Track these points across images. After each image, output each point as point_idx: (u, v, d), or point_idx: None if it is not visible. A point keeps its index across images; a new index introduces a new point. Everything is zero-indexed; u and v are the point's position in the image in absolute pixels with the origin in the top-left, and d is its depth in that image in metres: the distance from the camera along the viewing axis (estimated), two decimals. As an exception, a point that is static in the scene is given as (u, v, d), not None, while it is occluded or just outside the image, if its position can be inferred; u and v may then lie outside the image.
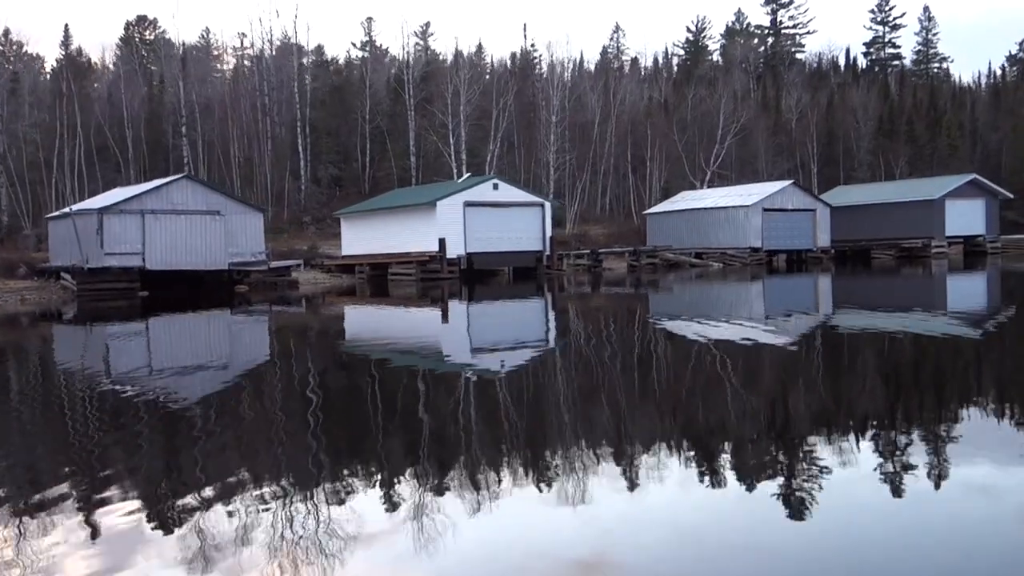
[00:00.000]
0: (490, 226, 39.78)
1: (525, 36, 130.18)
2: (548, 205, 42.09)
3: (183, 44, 62.29)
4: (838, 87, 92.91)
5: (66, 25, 65.13)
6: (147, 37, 75.58)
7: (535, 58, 75.62)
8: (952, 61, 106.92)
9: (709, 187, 60.02)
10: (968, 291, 27.63)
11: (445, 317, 23.31)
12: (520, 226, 40.79)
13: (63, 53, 63.55)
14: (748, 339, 14.08)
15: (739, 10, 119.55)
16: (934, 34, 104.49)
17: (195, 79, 61.17)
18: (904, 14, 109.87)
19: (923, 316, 18.01)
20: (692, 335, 15.28)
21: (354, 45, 77.77)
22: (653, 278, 40.24)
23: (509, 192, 40.77)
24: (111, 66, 69.17)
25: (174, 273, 33.75)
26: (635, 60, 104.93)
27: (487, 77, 57.91)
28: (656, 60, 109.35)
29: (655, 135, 61.91)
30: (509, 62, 77.93)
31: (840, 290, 29.90)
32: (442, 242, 38.03)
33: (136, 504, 5.49)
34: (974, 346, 12.98)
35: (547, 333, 17.72)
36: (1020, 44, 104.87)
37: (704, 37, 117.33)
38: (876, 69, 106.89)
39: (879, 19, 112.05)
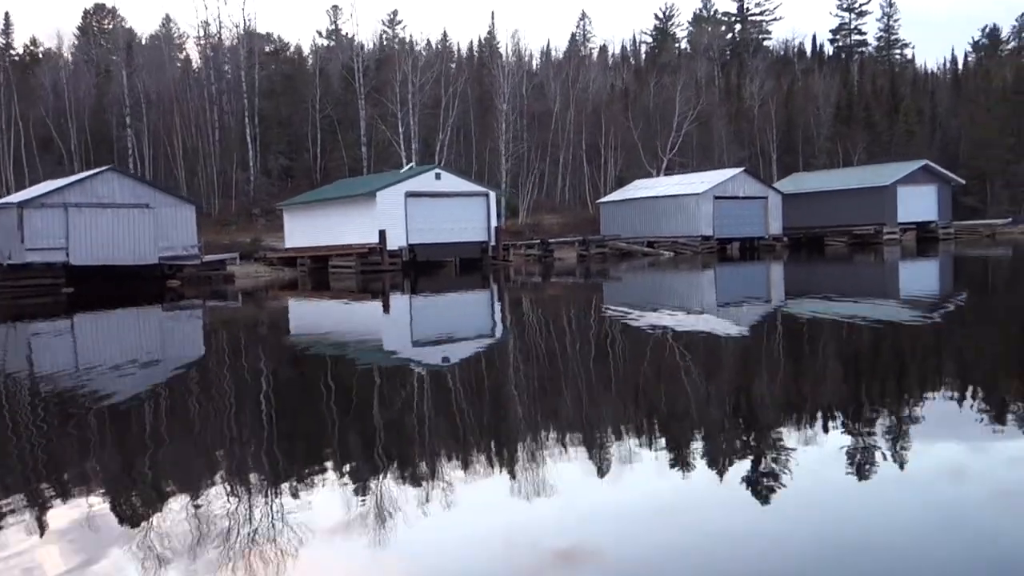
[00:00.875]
0: (433, 217, 39.06)
1: (492, 24, 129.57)
2: (493, 195, 41.43)
3: (128, 30, 60.74)
4: (802, 74, 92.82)
5: (6, 13, 63.36)
6: (105, 26, 74.15)
7: (496, 46, 74.67)
8: (914, 48, 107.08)
9: (666, 175, 59.51)
10: (915, 278, 27.34)
11: (380, 310, 22.72)
12: (464, 216, 40.10)
13: (3, 42, 61.89)
14: (696, 328, 13.94)
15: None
16: (895, 20, 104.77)
17: (149, 69, 59.91)
18: (869, 1, 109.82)
19: (869, 303, 17.74)
20: (637, 324, 15.02)
21: (319, 34, 76.63)
22: (603, 268, 39.74)
23: (452, 182, 40.06)
24: (68, 55, 67.79)
25: (101, 268, 32.75)
26: (603, 48, 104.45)
27: (439, 65, 56.79)
28: (624, 48, 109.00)
29: (610, 123, 61.31)
30: (465, 51, 77.16)
31: (789, 278, 29.50)
32: (382, 233, 37.27)
33: (50, 509, 5.25)
34: (920, 331, 12.87)
35: (490, 326, 17.13)
36: (982, 31, 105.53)
37: (672, 24, 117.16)
38: (843, 56, 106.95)
39: (844, 6, 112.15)
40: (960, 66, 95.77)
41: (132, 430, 7.74)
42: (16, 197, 34.90)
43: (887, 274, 29.67)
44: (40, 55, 66.05)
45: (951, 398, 7.72)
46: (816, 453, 5.91)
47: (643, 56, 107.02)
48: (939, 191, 54.09)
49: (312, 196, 44.94)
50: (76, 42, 68.99)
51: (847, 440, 6.19)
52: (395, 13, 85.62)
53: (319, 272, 39.92)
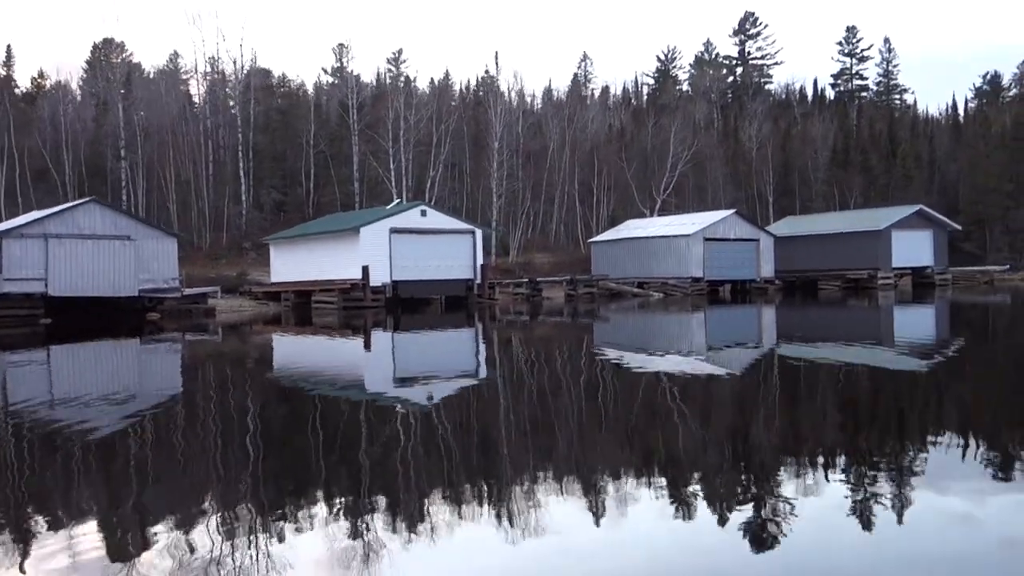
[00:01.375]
0: (418, 254, 38.86)
1: (497, 64, 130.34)
2: (479, 232, 41.21)
3: (127, 63, 61.16)
4: (801, 117, 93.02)
5: (8, 46, 63.85)
6: (112, 60, 74.58)
7: (495, 84, 75.02)
8: (914, 93, 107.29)
9: (660, 216, 59.37)
10: (908, 323, 26.87)
11: (359, 347, 22.42)
12: (450, 254, 39.89)
13: (2, 73, 62.28)
14: (679, 371, 13.52)
15: (708, 40, 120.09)
16: (894, 66, 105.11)
17: (148, 102, 60.20)
18: (871, 46, 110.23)
19: (860, 348, 17.33)
20: (620, 366, 14.80)
21: (324, 71, 76.97)
22: (590, 308, 39.36)
23: (438, 219, 39.90)
24: (76, 88, 68.25)
25: (80, 300, 32.53)
26: (605, 89, 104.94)
27: (433, 103, 56.87)
28: (625, 89, 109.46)
29: (603, 163, 61.32)
30: (463, 89, 77.46)
31: (778, 321, 28.98)
32: (365, 269, 37.04)
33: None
34: (911, 377, 12.54)
35: (471, 366, 16.69)
36: (983, 77, 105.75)
37: (674, 67, 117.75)
38: (844, 100, 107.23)
39: (846, 51, 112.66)
40: (961, 112, 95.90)
41: (97, 468, 7.42)
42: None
43: (879, 319, 29.08)
44: (46, 87, 66.58)
45: (945, 445, 7.46)
46: (810, 500, 5.72)
47: (644, 97, 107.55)
48: (935, 236, 53.75)
49: (297, 231, 44.83)
50: (84, 75, 69.46)
51: (837, 487, 6.03)
52: (400, 52, 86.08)
53: (303, 307, 39.67)
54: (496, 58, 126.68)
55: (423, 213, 39.29)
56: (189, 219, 53.97)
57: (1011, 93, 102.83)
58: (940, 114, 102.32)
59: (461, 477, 6.73)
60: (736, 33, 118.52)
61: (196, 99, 58.18)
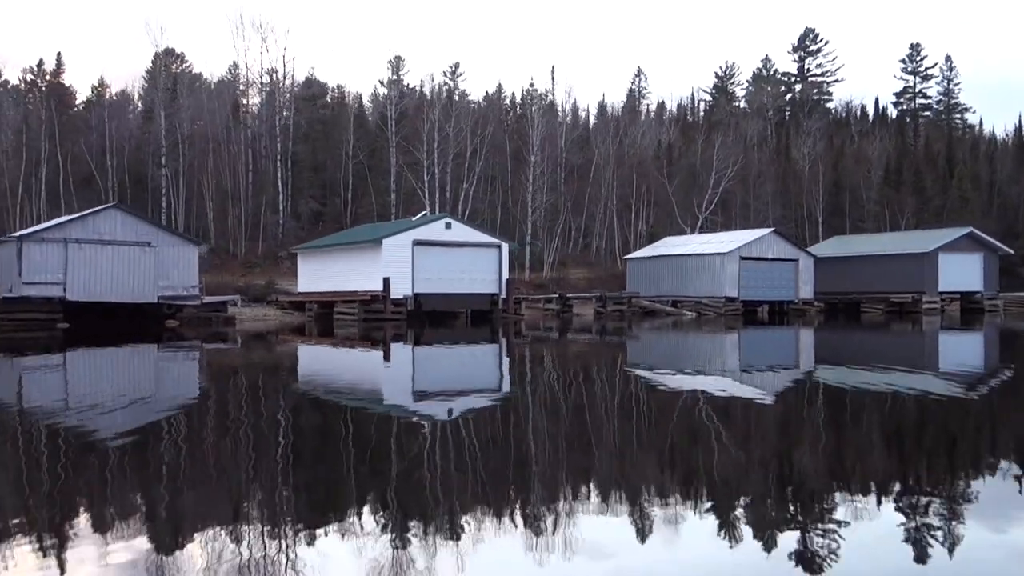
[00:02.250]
0: (441, 266, 38.38)
1: (553, 79, 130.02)
2: (506, 246, 40.60)
3: (172, 73, 61.94)
4: (858, 135, 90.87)
5: (59, 53, 65.24)
6: (173, 71, 75.67)
7: (536, 97, 74.54)
8: (975, 112, 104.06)
9: (702, 233, 58.18)
10: (950, 350, 25.57)
11: (375, 359, 22.08)
12: (474, 267, 39.34)
13: (50, 80, 63.56)
14: (701, 391, 13.19)
15: (767, 56, 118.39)
16: (956, 84, 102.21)
17: (194, 110, 60.98)
18: (935, 65, 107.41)
19: (883, 373, 16.22)
20: (643, 386, 14.44)
21: (381, 83, 77.55)
22: (620, 326, 38.41)
23: (463, 232, 39.39)
24: (137, 96, 69.43)
25: (98, 305, 32.69)
26: (661, 104, 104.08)
27: (468, 116, 56.46)
28: (680, 105, 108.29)
29: (643, 180, 60.36)
30: (511, 102, 77.05)
31: (812, 345, 27.65)
32: (386, 281, 36.65)
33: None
34: (950, 406, 11.80)
35: (489, 382, 16.25)
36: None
37: (732, 83, 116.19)
38: (907, 119, 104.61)
39: (910, 69, 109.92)
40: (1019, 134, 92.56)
41: (100, 475, 7.20)
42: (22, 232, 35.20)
43: (915, 344, 27.82)
44: (106, 96, 67.89)
45: (992, 476, 7.15)
46: (853, 529, 5.53)
47: (701, 113, 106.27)
48: (985, 260, 51.67)
49: (323, 242, 44.74)
50: (145, 84, 70.45)
51: (869, 515, 5.87)
52: (456, 65, 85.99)
53: (325, 318, 39.45)
54: (552, 72, 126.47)
55: (448, 226, 38.81)
56: (226, 227, 54.32)
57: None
58: (1007, 135, 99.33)
59: (477, 494, 6.57)
60: (796, 49, 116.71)
61: (242, 109, 58.53)
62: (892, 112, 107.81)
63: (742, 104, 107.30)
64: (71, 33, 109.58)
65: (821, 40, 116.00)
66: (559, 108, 78.84)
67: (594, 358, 22.11)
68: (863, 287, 51.07)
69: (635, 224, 61.44)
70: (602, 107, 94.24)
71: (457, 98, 64.44)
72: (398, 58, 79.08)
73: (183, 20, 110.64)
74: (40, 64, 65.21)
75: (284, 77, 59.92)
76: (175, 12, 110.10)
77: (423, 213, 44.72)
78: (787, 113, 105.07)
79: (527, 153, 55.76)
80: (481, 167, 55.27)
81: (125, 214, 34.23)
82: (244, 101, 58.23)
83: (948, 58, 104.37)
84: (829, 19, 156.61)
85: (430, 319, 38.38)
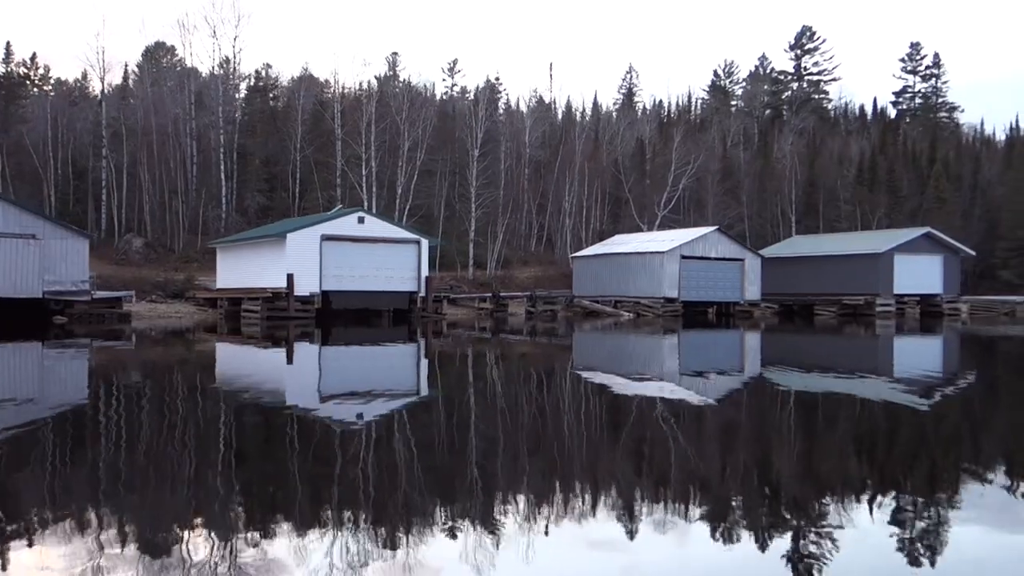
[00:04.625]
0: (354, 263, 36.77)
1: (551, 76, 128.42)
2: (425, 242, 38.92)
3: (100, 66, 60.65)
4: (846, 134, 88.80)
5: (8, 43, 63.83)
6: (163, 64, 74.34)
7: (487, 93, 73.01)
8: (962, 111, 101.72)
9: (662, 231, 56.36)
10: (876, 355, 23.96)
11: (268, 358, 20.93)
12: (390, 264, 37.70)
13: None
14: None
15: (763, 54, 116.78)
16: (944, 82, 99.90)
17: (137, 102, 59.73)
18: (942, 64, 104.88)
19: (801, 375, 15.55)
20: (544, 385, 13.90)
21: (377, 78, 76.26)
22: (551, 327, 36.74)
23: (378, 227, 37.75)
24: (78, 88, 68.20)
25: (-22, 300, 31.29)
26: (659, 103, 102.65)
27: (407, 109, 54.56)
28: (665, 102, 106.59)
29: (595, 177, 58.57)
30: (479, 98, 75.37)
31: (746, 349, 25.55)
32: (290, 277, 35.07)
33: None
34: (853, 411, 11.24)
35: (397, 383, 15.17)
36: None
37: (730, 82, 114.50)
38: (908, 119, 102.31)
39: (909, 68, 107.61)
40: (1013, 134, 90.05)
41: None
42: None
43: (847, 350, 26.00)
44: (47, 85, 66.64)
45: (932, 486, 6.81)
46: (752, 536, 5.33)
47: (696, 112, 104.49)
48: (945, 262, 49.56)
49: (237, 237, 43.26)
50: (135, 76, 69.07)
51: (787, 521, 5.67)
52: (455, 62, 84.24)
53: (236, 315, 37.97)
54: (551, 69, 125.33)
55: (361, 220, 37.18)
56: (166, 220, 53.02)
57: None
58: (1004, 137, 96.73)
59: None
60: (792, 47, 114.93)
61: (187, 100, 57.03)
62: (892, 112, 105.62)
63: (740, 103, 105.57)
64: (18, 19, 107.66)
65: (818, 38, 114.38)
66: (523, 105, 77.43)
67: (503, 360, 20.52)
68: (817, 289, 49.18)
69: (590, 222, 59.67)
70: (596, 104, 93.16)
71: (398, 90, 62.75)
72: (395, 54, 78.23)
73: (131, 9, 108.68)
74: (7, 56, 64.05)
75: (233, 69, 58.56)
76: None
77: (339, 207, 43.12)
78: (775, 111, 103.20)
79: (471, 148, 54.03)
80: (422, 161, 53.57)
81: (7, 204, 32.76)
82: (191, 92, 56.68)
83: (936, 55, 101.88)
84: (828, 18, 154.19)
85: (342, 318, 36.84)
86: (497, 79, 74.43)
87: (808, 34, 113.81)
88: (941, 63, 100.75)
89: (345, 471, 7.13)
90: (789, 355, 23.41)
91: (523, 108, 75.20)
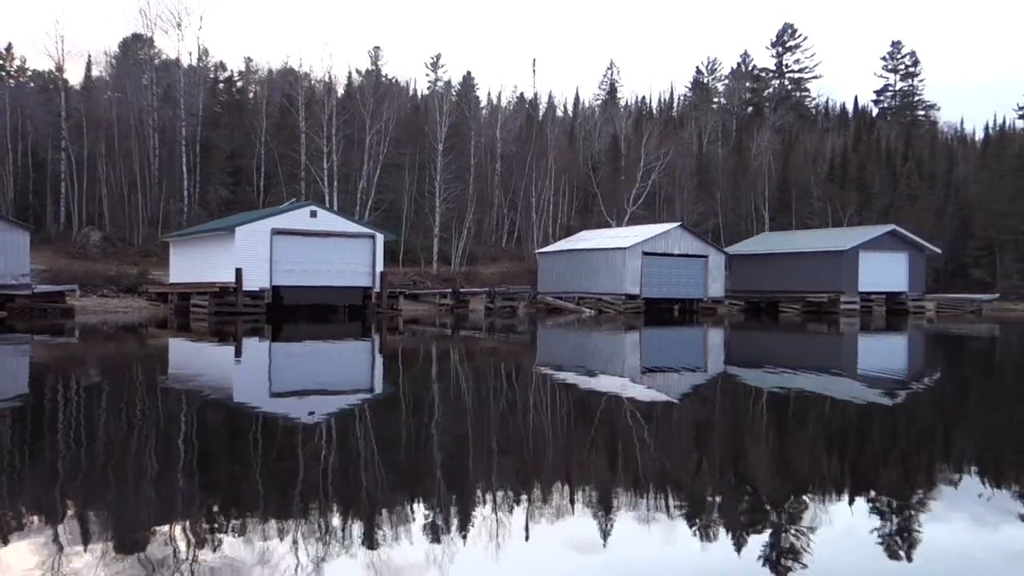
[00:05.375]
0: (306, 258, 36.14)
1: (534, 71, 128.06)
2: (380, 237, 38.32)
3: (59, 56, 59.74)
4: (823, 132, 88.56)
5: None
6: (140, 55, 73.28)
7: (475, 89, 72.41)
8: (938, 108, 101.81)
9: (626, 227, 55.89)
10: (839, 354, 23.40)
11: (214, 354, 20.15)
12: (344, 259, 37.08)
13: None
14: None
15: (745, 52, 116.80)
16: (920, 80, 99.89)
17: (99, 92, 58.88)
18: (918, 63, 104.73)
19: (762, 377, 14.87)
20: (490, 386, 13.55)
21: (358, 73, 75.52)
22: (510, 323, 36.20)
23: (331, 221, 37.12)
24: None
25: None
26: (642, 99, 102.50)
27: (370, 103, 53.84)
28: (646, 99, 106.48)
29: (563, 171, 58.07)
30: (451, 93, 74.76)
31: (696, 348, 24.84)
32: (238, 272, 34.42)
33: None
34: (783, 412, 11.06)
35: (345, 381, 14.77)
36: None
37: (713, 79, 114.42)
38: (888, 117, 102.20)
39: (890, 67, 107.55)
40: (991, 132, 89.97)
41: None
42: None
43: (813, 349, 25.53)
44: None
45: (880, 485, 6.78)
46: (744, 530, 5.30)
47: (677, 109, 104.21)
48: (910, 259, 49.24)
49: (189, 230, 42.59)
50: (113, 66, 67.94)
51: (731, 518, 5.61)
52: (438, 57, 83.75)
53: (185, 310, 37.32)
54: (534, 65, 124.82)
55: (313, 214, 36.55)
56: (127, 214, 52.26)
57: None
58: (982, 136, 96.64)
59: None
60: (774, 45, 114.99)
61: (151, 92, 56.17)
62: (873, 110, 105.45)
63: (722, 100, 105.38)
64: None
65: (800, 36, 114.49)
66: (503, 101, 76.90)
67: (451, 357, 19.91)
68: (783, 286, 48.83)
69: (557, 218, 59.18)
70: (577, 101, 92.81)
71: (363, 83, 62.09)
72: (377, 48, 77.57)
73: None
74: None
75: (198, 60, 57.80)
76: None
77: (292, 200, 42.47)
78: (756, 108, 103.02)
79: (436, 142, 53.41)
80: (389, 156, 52.95)
81: (-56, 196, 32.03)
82: (154, 83, 55.88)
83: (913, 53, 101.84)
84: (811, 16, 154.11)
85: (294, 314, 36.19)
86: (469, 73, 73.72)
87: (790, 32, 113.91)
88: (918, 61, 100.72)
89: (295, 469, 6.93)
90: (743, 353, 22.94)
91: (503, 103, 74.83)
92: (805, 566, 4.81)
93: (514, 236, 60.54)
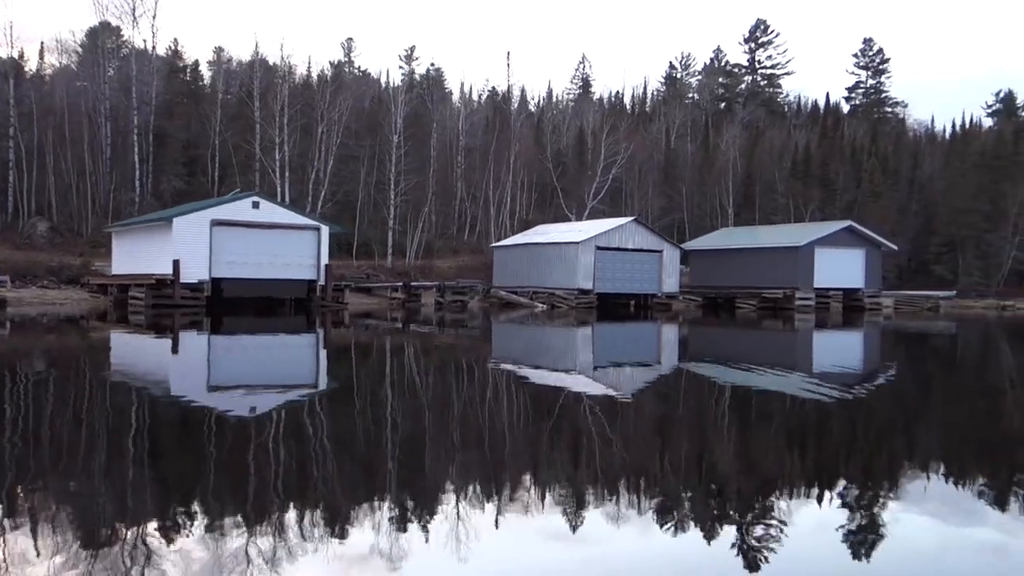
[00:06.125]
0: (248, 250, 35.43)
1: (508, 65, 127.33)
2: (325, 229, 37.68)
3: (8, 42, 58.62)
4: (793, 129, 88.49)
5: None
6: (107, 45, 72.04)
7: (443, 81, 71.73)
8: (905, 105, 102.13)
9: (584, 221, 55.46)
10: (789, 351, 23.14)
11: (148, 347, 19.57)
12: (288, 251, 36.39)
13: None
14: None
15: (718, 47, 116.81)
16: (887, 77, 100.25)
17: (52, 80, 57.79)
18: (889, 60, 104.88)
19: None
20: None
21: (331, 64, 74.59)
22: (460, 318, 35.66)
23: (274, 212, 36.44)
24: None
25: None
26: (618, 95, 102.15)
27: (324, 94, 53.11)
28: (619, 94, 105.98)
29: (522, 166, 57.58)
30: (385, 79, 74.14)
31: (652, 342, 24.61)
32: (175, 264, 33.68)
33: None
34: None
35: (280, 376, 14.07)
36: (996, 95, 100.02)
37: (686, 74, 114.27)
38: (859, 114, 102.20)
39: (862, 64, 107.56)
40: (958, 130, 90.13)
41: None
42: None
43: (765, 345, 25.10)
44: None
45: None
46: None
47: (648, 103, 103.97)
48: (867, 256, 49.06)
49: (130, 221, 41.82)
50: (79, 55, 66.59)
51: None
52: (412, 48, 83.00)
53: (124, 303, 36.56)
54: (508, 58, 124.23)
55: (256, 205, 35.84)
56: (73, 204, 51.31)
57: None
58: (950, 133, 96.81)
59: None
60: (747, 41, 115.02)
61: (103, 80, 55.09)
62: (845, 107, 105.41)
63: (695, 95, 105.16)
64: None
65: (772, 32, 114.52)
66: (475, 95, 76.24)
67: (396, 352, 19.41)
68: (740, 282, 48.56)
69: (515, 212, 58.71)
70: (550, 95, 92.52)
71: (317, 75, 61.38)
72: (350, 40, 76.58)
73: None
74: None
75: (152, 48, 56.81)
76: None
77: (236, 190, 41.73)
78: (729, 104, 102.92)
79: (390, 134, 52.73)
80: (346, 147, 52.24)
81: None
82: (106, 71, 54.87)
83: (881, 50, 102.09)
84: (785, 12, 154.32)
85: (237, 307, 35.50)
86: (433, 64, 73.06)
87: (763, 28, 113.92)
88: (886, 58, 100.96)
89: (232, 464, 6.68)
90: (687, 350, 22.43)
91: (474, 97, 74.32)
92: (766, 561, 4.69)
93: (476, 230, 59.96)
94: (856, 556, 4.82)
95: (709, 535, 5.07)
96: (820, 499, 6.00)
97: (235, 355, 18.69)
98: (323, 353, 19.23)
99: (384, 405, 10.30)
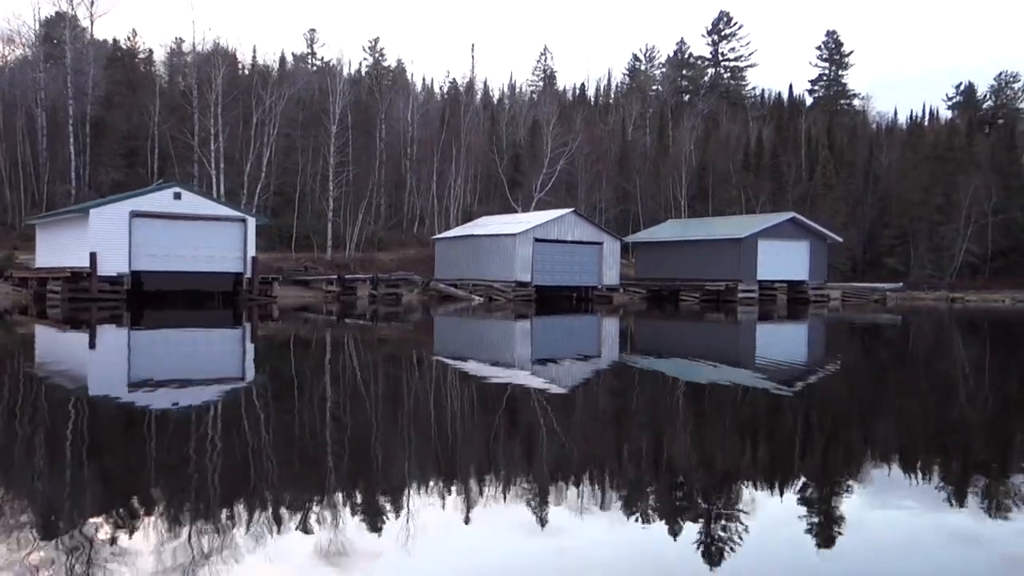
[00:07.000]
0: (170, 242, 34.61)
1: (472, 57, 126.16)
2: (252, 221, 36.91)
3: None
4: (755, 120, 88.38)
5: None
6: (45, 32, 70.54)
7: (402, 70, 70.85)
8: (862, 97, 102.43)
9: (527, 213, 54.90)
10: (726, 342, 22.93)
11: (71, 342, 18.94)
12: (212, 243, 35.60)
13: None
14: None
15: (682, 39, 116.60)
16: (849, 69, 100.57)
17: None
18: (852, 52, 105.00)
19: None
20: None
21: (294, 55, 73.40)
22: (394, 311, 34.94)
23: (196, 203, 35.59)
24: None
25: None
26: (582, 87, 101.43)
27: (262, 85, 52.20)
28: (583, 86, 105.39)
29: (466, 157, 56.95)
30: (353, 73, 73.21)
31: (585, 335, 24.17)
32: (92, 257, 32.79)
33: None
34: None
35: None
36: (957, 88, 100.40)
37: (651, 67, 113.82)
38: (821, 106, 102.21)
39: (825, 56, 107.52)
40: (915, 122, 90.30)
41: None
42: None
43: (705, 337, 24.72)
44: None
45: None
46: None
47: (612, 96, 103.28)
48: (811, 248, 48.78)
49: (52, 213, 40.87)
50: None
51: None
52: (376, 40, 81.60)
53: (43, 297, 35.63)
54: (473, 50, 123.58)
55: (177, 196, 34.99)
56: (6, 196, 50.15)
57: (986, 105, 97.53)
58: (907, 125, 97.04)
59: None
60: (710, 33, 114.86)
61: (36, 67, 53.85)
62: (808, 100, 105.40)
63: (659, 87, 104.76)
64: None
65: (735, 24, 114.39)
66: (436, 87, 75.27)
67: (319, 345, 18.87)
68: (684, 274, 48.16)
69: (460, 204, 58.06)
70: (512, 87, 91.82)
71: (261, 65, 60.41)
72: (312, 31, 75.37)
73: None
74: None
75: (89, 35, 55.59)
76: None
77: (159, 182, 40.84)
78: (692, 96, 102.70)
79: (329, 124, 51.89)
80: (287, 138, 51.37)
81: None
82: (39, 58, 53.64)
83: (839, 42, 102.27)
84: (749, 5, 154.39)
85: (160, 301, 34.63)
86: (380, 50, 72.26)
87: (726, 20, 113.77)
88: (848, 52, 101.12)
89: (156, 462, 6.50)
90: (625, 342, 21.98)
91: (435, 88, 73.48)
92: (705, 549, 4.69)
93: (425, 222, 59.28)
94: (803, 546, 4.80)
95: (648, 522, 5.11)
96: (757, 486, 6.06)
97: (150, 350, 17.98)
98: (241, 349, 18.52)
99: (307, 399, 10.14)
